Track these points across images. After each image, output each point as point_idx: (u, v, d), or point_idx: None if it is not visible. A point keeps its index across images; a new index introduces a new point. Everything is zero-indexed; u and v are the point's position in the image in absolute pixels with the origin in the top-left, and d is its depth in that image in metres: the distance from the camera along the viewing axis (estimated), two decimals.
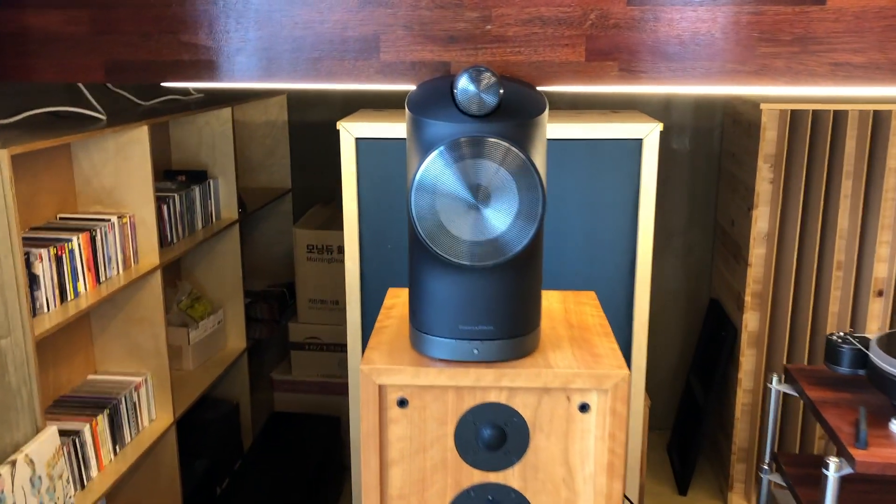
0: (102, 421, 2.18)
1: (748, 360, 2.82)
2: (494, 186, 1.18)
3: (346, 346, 3.09)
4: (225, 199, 2.95)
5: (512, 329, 1.28)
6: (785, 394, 2.13)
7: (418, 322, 1.31)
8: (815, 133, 2.61)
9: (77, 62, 1.64)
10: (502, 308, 1.26)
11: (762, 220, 2.69)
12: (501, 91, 1.17)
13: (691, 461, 3.00)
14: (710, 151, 3.22)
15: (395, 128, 1.97)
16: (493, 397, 1.28)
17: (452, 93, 1.21)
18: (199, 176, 2.87)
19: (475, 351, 1.27)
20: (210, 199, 2.86)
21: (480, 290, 1.25)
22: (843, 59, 1.44)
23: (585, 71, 1.52)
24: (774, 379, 2.12)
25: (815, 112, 2.58)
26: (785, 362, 2.79)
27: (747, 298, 2.76)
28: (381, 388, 1.28)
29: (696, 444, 2.99)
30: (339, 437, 3.07)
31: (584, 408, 1.28)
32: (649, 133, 1.92)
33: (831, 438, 1.81)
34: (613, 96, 3.17)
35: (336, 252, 3.06)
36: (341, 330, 3.09)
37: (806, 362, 2.77)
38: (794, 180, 2.65)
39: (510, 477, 1.31)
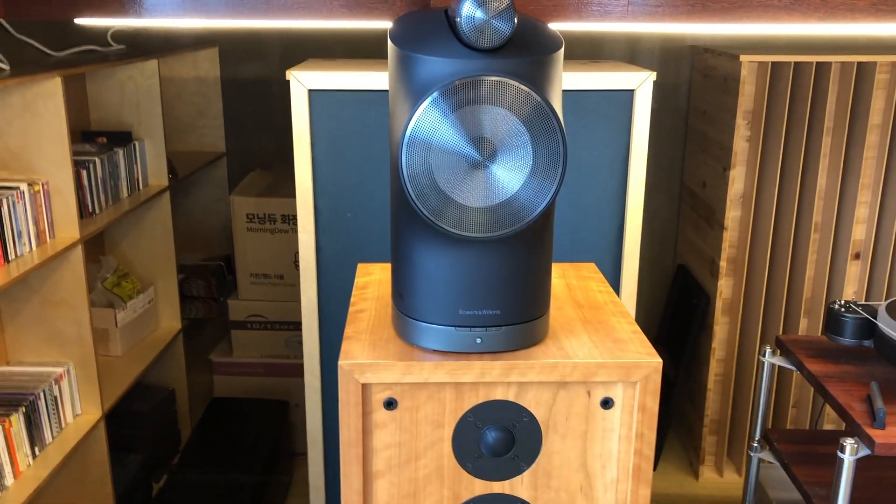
0: (17, 421, 1.88)
1: (722, 329, 2.69)
2: (503, 138, 0.95)
3: (292, 323, 2.83)
4: (153, 163, 2.64)
5: (522, 313, 1.06)
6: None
7: (407, 306, 1.08)
8: (795, 87, 2.45)
9: None
10: (511, 288, 1.04)
11: (738, 180, 2.54)
12: (516, 18, 0.94)
13: (661, 434, 2.87)
14: (677, 108, 3.05)
15: (357, 78, 1.71)
16: (499, 394, 1.07)
17: (451, 22, 0.98)
18: (122, 138, 2.55)
19: (478, 340, 1.05)
20: (136, 163, 2.55)
21: (485, 268, 1.03)
22: None
23: (589, 5, 1.29)
24: (768, 351, 1.97)
25: (796, 64, 2.42)
26: (760, 329, 2.66)
27: (722, 264, 2.61)
28: (364, 387, 1.05)
29: (665, 416, 2.86)
30: (288, 423, 2.82)
31: (606, 403, 1.08)
32: (642, 83, 1.72)
33: (841, 417, 1.66)
34: (572, 44, 2.95)
35: (280, 221, 2.78)
36: (287, 306, 2.83)
37: (781, 328, 2.65)
38: (772, 138, 2.50)
39: (518, 486, 1.10)
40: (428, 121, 0.94)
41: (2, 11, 1.34)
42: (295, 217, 2.78)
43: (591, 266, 1.42)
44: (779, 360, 1.96)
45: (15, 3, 1.33)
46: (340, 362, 1.04)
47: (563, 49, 1.01)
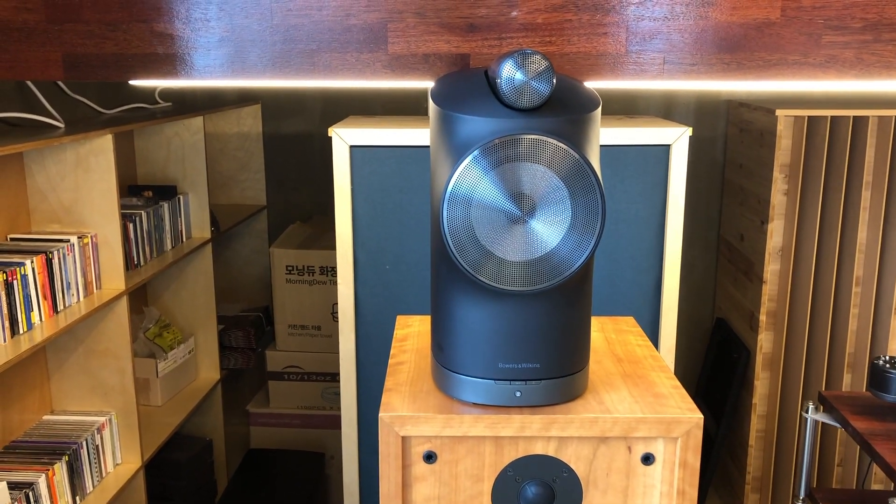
0: (60, 469, 1.91)
1: (763, 384, 2.65)
2: (542, 194, 0.97)
3: (329, 374, 2.85)
4: (196, 216, 2.70)
5: (561, 367, 1.06)
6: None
7: (446, 359, 1.09)
8: (833, 141, 2.45)
9: (31, 56, 1.41)
10: (551, 342, 1.05)
11: (777, 234, 2.52)
12: (555, 79, 0.96)
13: (701, 491, 2.81)
14: (713, 161, 3.06)
15: (396, 134, 1.75)
16: (539, 449, 1.07)
17: (491, 82, 1.01)
18: (167, 191, 2.62)
19: (518, 394, 1.06)
20: (180, 216, 2.61)
21: (525, 321, 1.04)
22: None
23: (626, 64, 1.32)
24: (811, 407, 1.94)
25: (833, 118, 2.42)
26: (802, 385, 2.61)
27: (762, 318, 2.58)
28: (404, 439, 1.06)
29: (706, 473, 2.80)
30: (324, 475, 2.82)
31: (647, 459, 1.07)
32: (678, 138, 1.73)
33: (889, 476, 1.62)
34: (608, 99, 2.99)
35: (318, 273, 2.82)
36: (324, 357, 2.85)
37: (824, 384, 2.60)
38: (810, 191, 2.49)
39: None
40: (469, 177, 0.97)
41: (62, 73, 1.41)
42: (333, 269, 2.82)
43: (630, 320, 1.42)
44: (822, 417, 1.93)
45: (75, 66, 1.40)
46: (381, 414, 1.05)
47: (600, 108, 1.04)
